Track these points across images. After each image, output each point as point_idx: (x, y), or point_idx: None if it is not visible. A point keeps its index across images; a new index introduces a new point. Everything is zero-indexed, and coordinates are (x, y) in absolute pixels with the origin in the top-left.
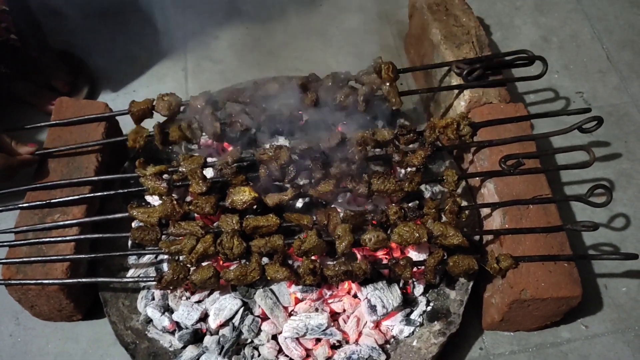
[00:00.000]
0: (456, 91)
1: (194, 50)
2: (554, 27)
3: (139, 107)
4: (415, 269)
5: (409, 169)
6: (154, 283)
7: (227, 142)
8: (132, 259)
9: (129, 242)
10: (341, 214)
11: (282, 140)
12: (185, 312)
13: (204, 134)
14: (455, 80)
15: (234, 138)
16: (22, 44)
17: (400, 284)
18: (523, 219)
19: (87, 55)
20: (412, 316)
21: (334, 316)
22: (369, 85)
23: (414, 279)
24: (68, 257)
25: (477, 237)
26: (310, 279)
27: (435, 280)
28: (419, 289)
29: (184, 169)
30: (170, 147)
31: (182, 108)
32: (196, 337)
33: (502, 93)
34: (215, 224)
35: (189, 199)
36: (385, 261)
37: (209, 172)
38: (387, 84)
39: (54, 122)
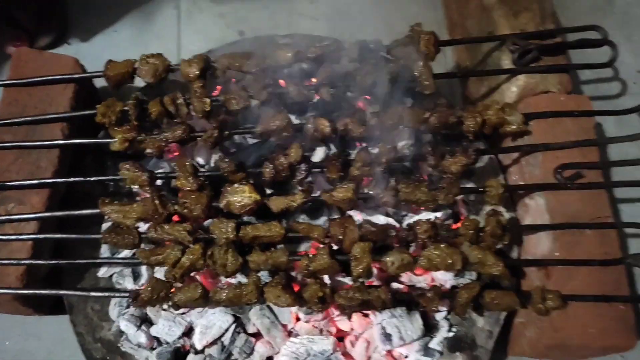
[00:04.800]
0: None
1: None
2: None
3: (117, 71)
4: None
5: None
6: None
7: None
8: (104, 250)
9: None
10: (358, 220)
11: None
12: (167, 326)
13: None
14: (507, 58)
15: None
16: None
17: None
18: (576, 246)
19: None
20: (431, 344)
21: (339, 333)
22: (398, 63)
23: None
24: (23, 262)
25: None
26: (318, 307)
27: (466, 316)
28: (441, 313)
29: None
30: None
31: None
32: (177, 355)
33: (563, 80)
34: (205, 223)
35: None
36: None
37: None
38: (421, 63)
39: (9, 81)
